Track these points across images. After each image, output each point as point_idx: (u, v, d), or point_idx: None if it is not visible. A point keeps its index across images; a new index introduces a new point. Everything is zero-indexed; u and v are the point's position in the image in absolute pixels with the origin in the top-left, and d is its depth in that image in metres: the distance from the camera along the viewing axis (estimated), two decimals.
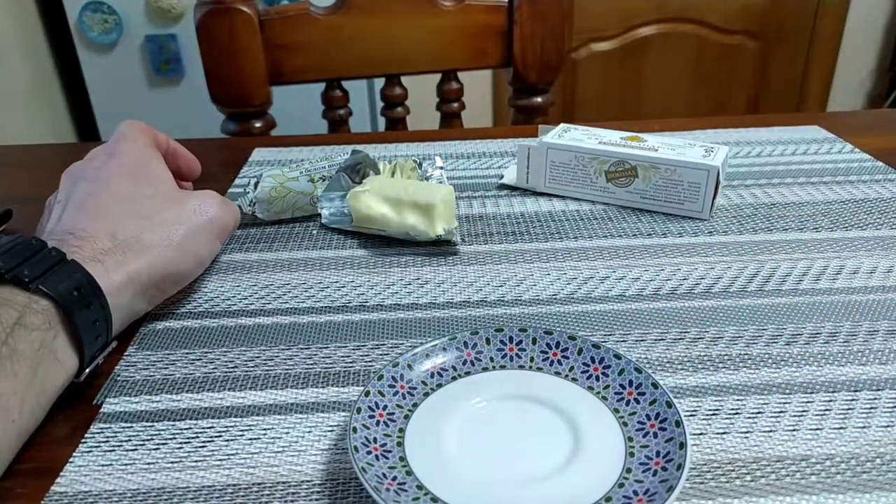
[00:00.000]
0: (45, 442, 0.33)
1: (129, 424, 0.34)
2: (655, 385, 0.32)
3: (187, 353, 0.39)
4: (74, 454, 0.32)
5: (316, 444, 0.32)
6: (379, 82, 1.03)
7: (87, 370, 0.35)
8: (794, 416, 0.33)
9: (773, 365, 0.37)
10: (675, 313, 0.41)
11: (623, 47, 2.18)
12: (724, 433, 0.32)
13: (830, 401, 0.34)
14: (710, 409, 0.34)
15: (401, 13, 0.89)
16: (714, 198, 0.51)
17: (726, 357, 0.37)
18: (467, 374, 0.35)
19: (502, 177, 0.61)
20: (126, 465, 0.31)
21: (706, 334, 0.39)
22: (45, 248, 0.35)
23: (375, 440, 0.30)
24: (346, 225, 0.52)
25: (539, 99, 0.95)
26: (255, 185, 0.54)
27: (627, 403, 0.32)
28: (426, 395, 0.33)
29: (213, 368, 0.38)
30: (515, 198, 0.57)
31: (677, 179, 0.52)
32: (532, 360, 0.35)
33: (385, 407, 0.32)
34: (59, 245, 0.36)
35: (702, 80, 2.25)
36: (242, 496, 0.30)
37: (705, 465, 0.31)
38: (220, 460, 0.32)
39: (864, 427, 0.32)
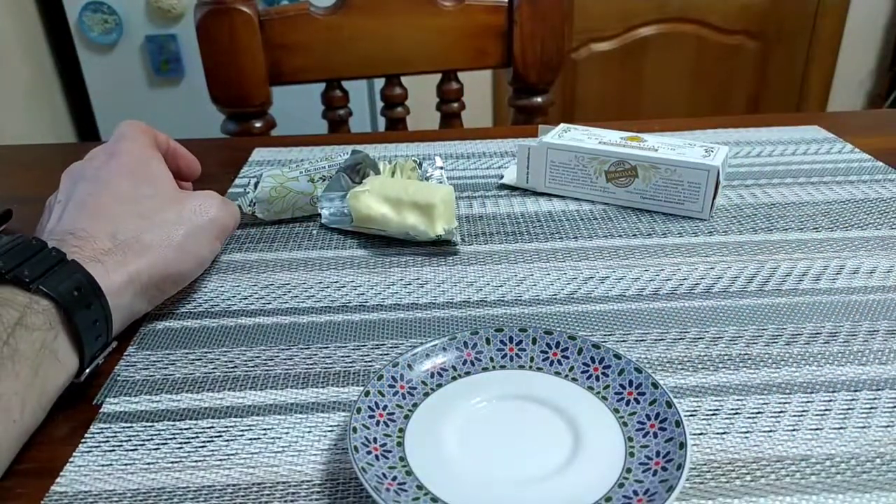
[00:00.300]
0: (45, 442, 0.33)
1: (129, 424, 0.34)
2: (655, 385, 0.32)
3: (187, 353, 0.39)
4: (74, 454, 0.32)
5: (316, 444, 0.32)
6: (379, 82, 1.03)
7: (88, 370, 0.35)
8: (794, 416, 0.33)
9: (773, 365, 0.37)
10: (675, 313, 0.41)
11: (623, 47, 2.18)
12: (724, 433, 0.32)
13: (830, 401, 0.34)
14: (710, 409, 0.34)
15: (401, 13, 0.89)
16: (714, 198, 0.51)
17: (726, 357, 0.37)
18: (467, 374, 0.35)
19: (502, 177, 0.61)
20: (126, 465, 0.31)
21: (706, 334, 0.39)
22: (46, 249, 0.35)
23: (375, 440, 0.30)
24: (346, 225, 0.52)
25: (539, 99, 0.95)
26: (255, 185, 0.54)
27: (627, 403, 0.32)
28: (426, 395, 0.33)
29: (213, 368, 0.38)
30: (515, 198, 0.57)
31: (677, 179, 0.52)
32: (532, 360, 0.35)
33: (385, 407, 0.32)
34: (59, 245, 0.36)
35: (702, 80, 2.25)
36: (242, 496, 0.30)
37: (705, 465, 0.31)
38: (220, 460, 0.32)
39: (864, 427, 0.32)
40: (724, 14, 2.15)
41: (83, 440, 0.33)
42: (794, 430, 0.32)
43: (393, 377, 0.33)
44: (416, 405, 0.33)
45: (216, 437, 0.33)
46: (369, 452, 0.29)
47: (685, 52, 2.20)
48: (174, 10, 1.69)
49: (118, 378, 0.37)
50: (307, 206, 0.54)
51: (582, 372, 0.34)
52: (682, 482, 0.27)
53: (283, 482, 0.30)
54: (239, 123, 0.90)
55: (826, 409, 0.33)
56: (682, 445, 0.29)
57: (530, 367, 0.35)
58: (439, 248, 0.49)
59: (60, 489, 0.30)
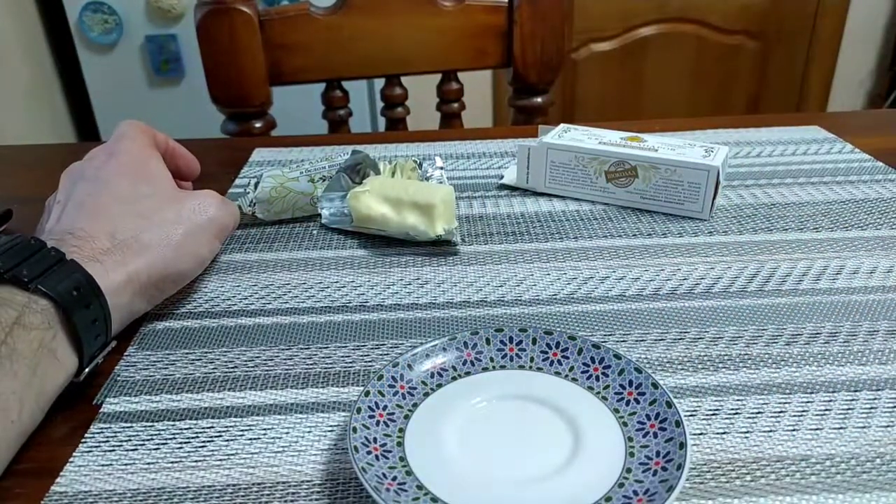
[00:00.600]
0: (45, 442, 0.33)
1: (129, 424, 0.34)
2: (655, 385, 0.32)
3: (187, 353, 0.39)
4: (74, 454, 0.32)
5: (316, 444, 0.32)
6: (379, 82, 1.03)
7: (87, 370, 0.35)
8: (794, 416, 0.33)
9: (773, 365, 0.37)
10: (675, 313, 0.41)
11: (623, 47, 2.18)
12: (724, 433, 0.32)
13: (830, 401, 0.34)
14: (710, 409, 0.34)
15: (401, 13, 0.89)
16: (714, 198, 0.51)
17: (726, 357, 0.37)
18: (467, 374, 0.35)
19: (502, 177, 0.61)
20: (126, 465, 0.31)
21: (706, 334, 0.39)
22: (45, 248, 0.35)
23: (375, 440, 0.30)
24: (346, 225, 0.52)
25: (539, 99, 0.95)
26: (255, 185, 0.54)
27: (627, 403, 0.32)
28: (426, 395, 0.33)
29: (213, 368, 0.38)
30: (515, 198, 0.57)
31: (677, 179, 0.52)
32: (532, 360, 0.35)
33: (385, 407, 0.32)
34: (58, 245, 0.36)
35: (702, 80, 2.25)
36: (242, 496, 0.30)
37: (705, 465, 0.31)
38: (220, 460, 0.32)
39: (864, 427, 0.32)
40: (724, 14, 2.15)
41: (83, 440, 0.33)
42: (794, 430, 0.32)
43: (393, 377, 0.33)
44: (416, 405, 0.33)
45: (216, 437, 0.33)
46: (369, 452, 0.29)
47: (685, 52, 2.20)
48: (174, 10, 1.69)
49: (118, 378, 0.37)
50: (307, 206, 0.54)
51: (582, 372, 0.34)
52: (682, 482, 0.27)
53: (283, 482, 0.30)
54: (239, 123, 0.90)
55: (826, 409, 0.33)
56: (682, 445, 0.29)
57: (530, 367, 0.35)
58: (439, 248, 0.49)
59: (60, 489, 0.30)
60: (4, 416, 0.29)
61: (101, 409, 0.35)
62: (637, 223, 0.52)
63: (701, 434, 0.32)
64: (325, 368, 0.37)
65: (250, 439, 0.33)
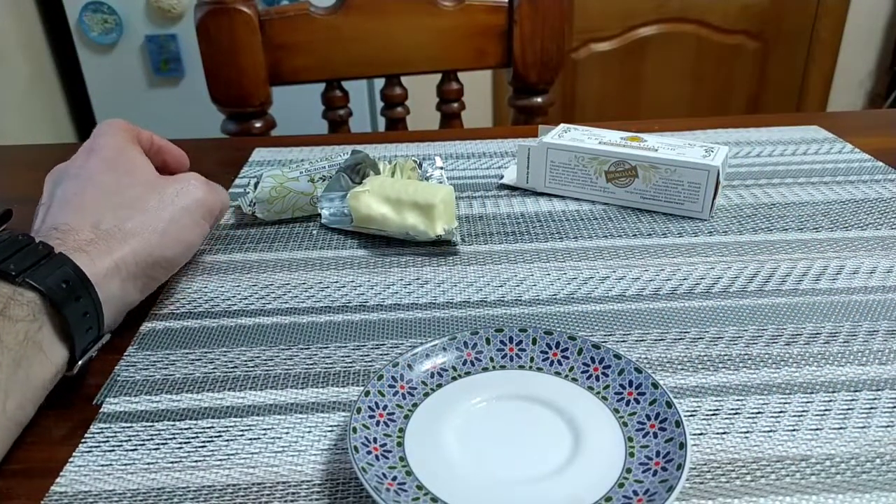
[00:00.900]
0: (45, 442, 0.33)
1: (129, 424, 0.34)
2: (655, 385, 0.32)
3: (187, 353, 0.39)
4: (74, 454, 0.32)
5: (316, 444, 0.32)
6: (379, 82, 1.03)
7: (80, 362, 0.35)
8: (794, 416, 0.33)
9: (773, 365, 0.37)
10: (675, 313, 0.41)
11: (623, 47, 2.18)
12: (724, 433, 0.32)
13: (830, 401, 0.34)
14: (710, 409, 0.34)
15: (401, 13, 0.89)
16: (714, 198, 0.51)
17: (726, 357, 0.37)
18: (467, 374, 0.35)
19: (502, 177, 0.61)
20: (126, 465, 0.31)
21: (706, 334, 0.39)
22: (33, 244, 0.35)
23: (375, 440, 0.30)
24: (346, 225, 0.52)
25: (539, 99, 0.95)
26: (255, 185, 0.54)
27: (627, 403, 0.32)
28: (426, 395, 0.33)
29: (213, 368, 0.38)
30: (515, 198, 0.57)
31: (677, 179, 0.52)
32: (532, 360, 0.35)
33: (385, 407, 0.32)
34: (44, 240, 0.36)
35: (702, 80, 2.25)
36: (242, 496, 0.30)
37: (705, 465, 0.31)
38: (220, 460, 0.32)
39: (864, 427, 0.32)
40: (724, 14, 2.15)
41: (83, 440, 0.33)
42: (794, 430, 0.32)
43: (393, 377, 0.33)
44: (416, 405, 0.33)
45: (216, 437, 0.33)
46: (369, 452, 0.29)
47: (685, 52, 2.20)
48: (174, 10, 1.68)
49: (118, 378, 0.37)
50: (307, 206, 0.54)
51: (582, 372, 0.34)
52: (682, 482, 0.27)
53: (283, 482, 0.30)
54: (239, 123, 0.90)
55: (826, 409, 0.33)
56: (682, 445, 0.29)
57: (530, 367, 0.35)
58: (439, 248, 0.49)
59: (60, 489, 0.30)
60: None
61: (101, 409, 0.35)
62: (637, 223, 0.52)
63: (701, 434, 0.32)
64: (325, 368, 0.37)
65: (250, 439, 0.33)
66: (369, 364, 0.38)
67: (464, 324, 0.41)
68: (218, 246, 0.51)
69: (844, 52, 2.24)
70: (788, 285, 0.44)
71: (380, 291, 0.44)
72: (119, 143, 0.44)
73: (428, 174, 0.57)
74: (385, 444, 0.30)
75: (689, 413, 0.34)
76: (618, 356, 0.34)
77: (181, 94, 1.79)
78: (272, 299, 0.44)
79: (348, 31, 0.89)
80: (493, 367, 0.35)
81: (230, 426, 0.34)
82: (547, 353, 0.35)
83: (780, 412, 0.33)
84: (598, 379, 0.34)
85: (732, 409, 0.34)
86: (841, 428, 0.32)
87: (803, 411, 0.33)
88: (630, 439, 0.30)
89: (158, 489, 0.30)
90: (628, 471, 0.29)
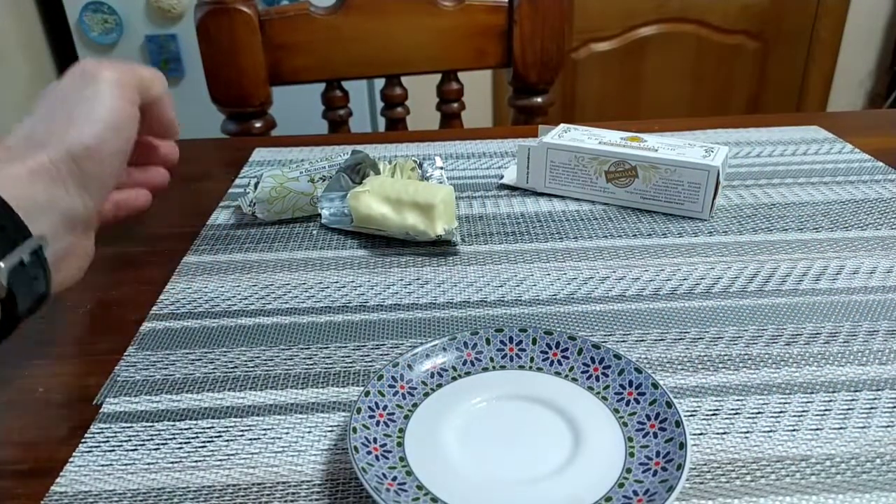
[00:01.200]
0: (45, 442, 0.33)
1: (129, 424, 0.34)
2: (655, 385, 0.32)
3: (187, 353, 0.39)
4: (74, 454, 0.32)
5: (316, 444, 0.32)
6: (379, 82, 1.03)
7: (5, 271, 0.31)
8: (794, 416, 0.33)
9: (773, 365, 0.37)
10: (675, 313, 0.41)
11: (623, 47, 2.18)
12: (724, 433, 0.32)
13: (830, 401, 0.34)
14: (710, 409, 0.34)
15: (401, 13, 0.89)
16: (714, 198, 0.51)
17: (726, 357, 0.37)
18: (467, 374, 0.35)
19: (502, 177, 0.61)
20: (126, 465, 0.31)
21: (706, 334, 0.39)
22: None
23: (375, 440, 0.30)
24: (346, 225, 0.52)
25: (539, 99, 0.95)
26: (255, 185, 0.54)
27: (627, 403, 0.32)
28: (426, 395, 0.33)
29: (213, 368, 0.38)
30: (515, 198, 0.57)
31: (677, 179, 0.52)
32: (532, 360, 0.35)
33: (385, 407, 0.32)
34: None
35: (702, 80, 2.25)
36: (242, 496, 0.30)
37: (705, 465, 0.31)
38: (220, 460, 0.32)
39: (864, 427, 0.32)
40: (724, 14, 2.15)
41: (83, 440, 0.33)
42: (794, 430, 0.32)
43: (393, 377, 0.33)
44: (416, 405, 0.33)
45: (216, 437, 0.33)
46: (369, 452, 0.29)
47: (685, 52, 2.20)
48: (174, 10, 1.68)
49: (118, 378, 0.37)
50: (307, 206, 0.54)
51: (582, 372, 0.34)
52: (682, 482, 0.27)
53: (283, 482, 0.30)
54: (239, 123, 0.90)
55: (826, 409, 0.33)
56: (682, 445, 0.29)
57: (530, 367, 0.35)
58: (439, 248, 0.49)
59: (60, 489, 0.30)
60: None
61: (101, 409, 0.35)
62: (637, 223, 0.52)
63: (701, 434, 0.32)
64: (325, 368, 0.37)
65: (250, 439, 0.33)
66: (369, 364, 0.38)
67: (464, 324, 0.41)
68: (218, 246, 0.51)
69: (844, 52, 2.24)
70: (788, 285, 0.44)
71: (380, 291, 0.44)
72: (113, 86, 0.39)
73: (428, 174, 0.57)
74: (385, 445, 0.30)
75: (689, 413, 0.34)
76: (618, 356, 0.34)
77: (181, 94, 1.79)
78: (272, 299, 0.44)
79: (348, 31, 0.89)
80: (493, 367, 0.35)
81: (230, 426, 0.34)
82: (547, 353, 0.35)
83: (780, 412, 0.33)
84: (598, 379, 0.34)
85: (732, 409, 0.34)
86: (841, 428, 0.32)
87: (803, 411, 0.33)
88: (630, 439, 0.30)
89: (158, 489, 0.30)
90: (628, 471, 0.29)
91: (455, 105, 0.97)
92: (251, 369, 0.37)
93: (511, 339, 0.36)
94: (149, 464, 0.31)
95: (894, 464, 0.30)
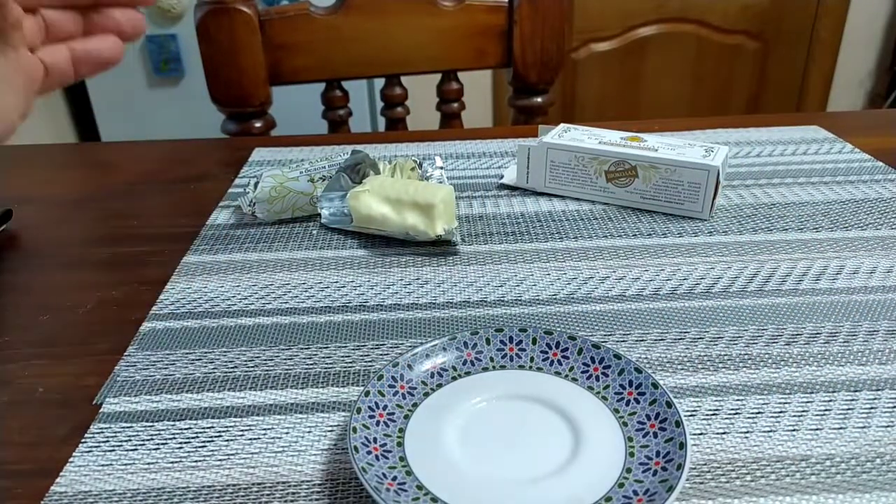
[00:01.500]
0: (45, 442, 0.33)
1: (129, 424, 0.34)
2: (655, 385, 0.32)
3: (187, 353, 0.39)
4: (74, 454, 0.32)
5: (316, 444, 0.32)
6: (379, 82, 1.03)
7: None
8: (794, 416, 0.33)
9: (773, 365, 0.37)
10: (675, 313, 0.41)
11: (623, 47, 2.18)
12: (724, 433, 0.32)
13: (830, 401, 0.34)
14: (710, 409, 0.34)
15: (401, 13, 0.89)
16: (714, 198, 0.51)
17: (726, 357, 0.37)
18: (467, 374, 0.35)
19: (502, 177, 0.61)
20: (126, 465, 0.31)
21: (706, 334, 0.39)
22: None
23: (375, 440, 0.30)
24: (346, 225, 0.52)
25: (539, 99, 0.95)
26: (255, 185, 0.54)
27: (627, 403, 0.32)
28: (426, 395, 0.33)
29: (213, 368, 0.38)
30: (515, 198, 0.57)
31: (677, 179, 0.52)
32: (532, 360, 0.35)
33: (385, 407, 0.32)
34: None
35: (702, 80, 2.25)
36: (242, 496, 0.30)
37: (705, 465, 0.31)
38: (220, 460, 0.32)
39: (864, 427, 0.32)
40: (724, 14, 2.15)
41: (83, 440, 0.33)
42: (794, 430, 0.32)
43: (393, 377, 0.33)
44: (416, 405, 0.33)
45: (216, 437, 0.33)
46: (369, 452, 0.29)
47: (685, 52, 2.20)
48: (174, 10, 1.68)
49: (118, 378, 0.37)
50: (307, 206, 0.54)
51: (582, 372, 0.34)
52: (682, 482, 0.27)
53: (283, 482, 0.30)
54: (239, 123, 0.90)
55: (826, 409, 0.33)
56: (682, 445, 0.29)
57: (530, 367, 0.35)
58: (439, 248, 0.49)
59: (60, 489, 0.30)
60: None
61: (101, 409, 0.35)
62: (637, 223, 0.52)
63: (701, 434, 0.32)
64: (325, 368, 0.37)
65: (250, 439, 0.33)
66: (369, 364, 0.38)
67: (464, 324, 0.41)
68: (218, 246, 0.51)
69: (844, 52, 2.24)
70: (788, 285, 0.44)
71: (380, 291, 0.44)
72: None
73: (428, 174, 0.57)
74: (385, 444, 0.30)
75: (689, 413, 0.34)
76: (618, 356, 0.34)
77: (181, 94, 1.79)
78: (272, 299, 0.44)
79: (348, 31, 0.89)
80: (493, 367, 0.35)
81: (230, 426, 0.34)
82: (547, 353, 0.35)
83: (780, 412, 0.33)
84: (598, 379, 0.34)
85: (732, 409, 0.34)
86: (841, 428, 0.32)
87: (803, 411, 0.33)
88: (630, 439, 0.30)
89: (158, 489, 0.30)
90: (628, 471, 0.29)
91: (455, 105, 0.97)
92: (251, 369, 0.37)
93: (511, 339, 0.36)
94: (149, 464, 0.31)
95: (894, 464, 0.30)
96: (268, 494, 0.30)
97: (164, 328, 0.41)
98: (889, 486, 0.29)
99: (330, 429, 0.33)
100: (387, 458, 0.29)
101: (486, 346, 0.36)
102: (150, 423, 0.34)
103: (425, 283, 0.45)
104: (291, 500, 0.29)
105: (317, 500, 0.29)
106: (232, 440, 0.33)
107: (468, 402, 0.33)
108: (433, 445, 0.30)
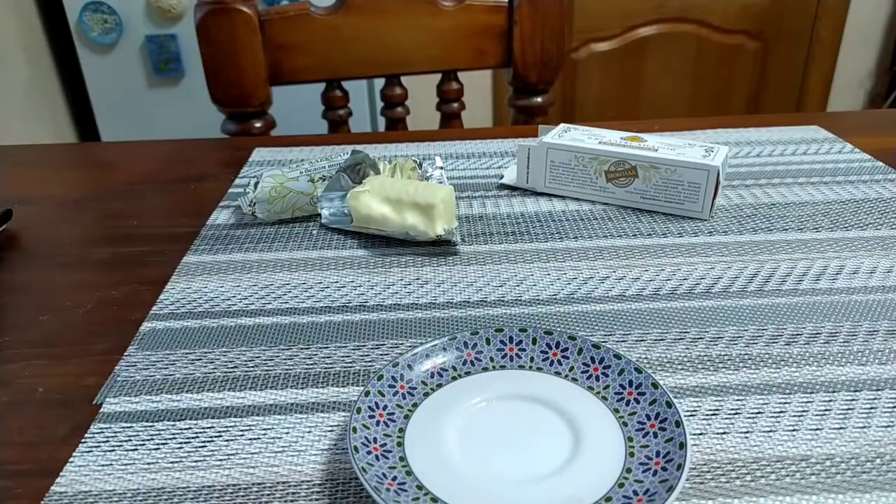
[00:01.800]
0: (45, 442, 0.33)
1: (129, 424, 0.34)
2: (655, 385, 0.32)
3: (187, 353, 0.39)
4: (74, 454, 0.32)
5: (316, 444, 0.32)
6: (379, 82, 1.03)
7: None
8: (794, 416, 0.33)
9: (773, 365, 0.37)
10: (675, 313, 0.41)
11: (623, 47, 2.18)
12: (724, 433, 0.32)
13: (830, 401, 0.34)
14: (710, 409, 0.34)
15: (401, 13, 0.89)
16: (714, 198, 0.51)
17: (726, 357, 0.37)
18: (467, 374, 0.35)
19: (502, 177, 0.61)
20: (126, 465, 0.31)
21: (706, 334, 0.39)
22: None
23: (375, 440, 0.30)
24: (346, 225, 0.52)
25: (539, 99, 0.95)
26: (255, 185, 0.54)
27: (627, 403, 0.32)
28: (426, 395, 0.33)
29: (213, 368, 0.38)
30: (515, 198, 0.57)
31: (677, 179, 0.52)
32: (532, 360, 0.35)
33: (385, 407, 0.32)
34: None
35: (702, 80, 2.25)
36: (242, 496, 0.30)
37: (705, 465, 0.31)
38: (220, 460, 0.32)
39: (864, 427, 0.32)
40: (724, 14, 2.15)
41: (83, 440, 0.33)
42: (794, 430, 0.32)
43: (393, 377, 0.33)
44: (416, 405, 0.33)
45: (216, 437, 0.33)
46: (369, 452, 0.29)
47: (685, 52, 2.20)
48: (174, 10, 1.68)
49: (118, 378, 0.37)
50: (307, 206, 0.54)
51: (582, 372, 0.34)
52: (682, 482, 0.27)
53: (283, 482, 0.30)
54: (239, 123, 0.90)
55: (826, 409, 0.33)
56: (682, 445, 0.29)
57: (530, 367, 0.35)
58: (439, 248, 0.49)
59: (60, 489, 0.30)
60: None
61: (101, 409, 0.35)
62: (637, 223, 0.52)
63: (701, 434, 0.32)
64: (325, 368, 0.37)
65: (250, 439, 0.33)
66: (369, 364, 0.38)
67: (464, 324, 0.41)
68: (218, 246, 0.51)
69: (844, 52, 2.24)
70: (788, 285, 0.44)
71: (380, 291, 0.44)
72: None
73: (428, 174, 0.57)
74: (385, 444, 0.30)
75: (689, 413, 0.34)
76: (618, 356, 0.34)
77: (181, 94, 1.79)
78: (272, 299, 0.44)
79: (348, 31, 0.89)
80: (493, 367, 0.35)
81: (230, 426, 0.34)
82: (547, 353, 0.35)
83: (780, 412, 0.33)
84: (598, 379, 0.34)
85: (732, 409, 0.34)
86: (841, 428, 0.32)
87: (803, 411, 0.33)
88: (630, 439, 0.30)
89: (158, 489, 0.30)
90: (628, 471, 0.29)
91: (455, 105, 0.97)
92: (251, 369, 0.37)
93: (511, 339, 0.36)
94: (149, 464, 0.31)
95: (894, 464, 0.30)
96: (268, 494, 0.30)
97: (164, 328, 0.41)
98: (889, 486, 0.29)
99: (330, 429, 0.33)
100: (387, 458, 0.29)
101: (486, 346, 0.36)
102: (150, 423, 0.34)
103: (425, 283, 0.45)
104: (291, 500, 0.29)
105: (317, 500, 0.29)
106: (232, 440, 0.33)
107: (468, 402, 0.33)
108: (433, 445, 0.30)
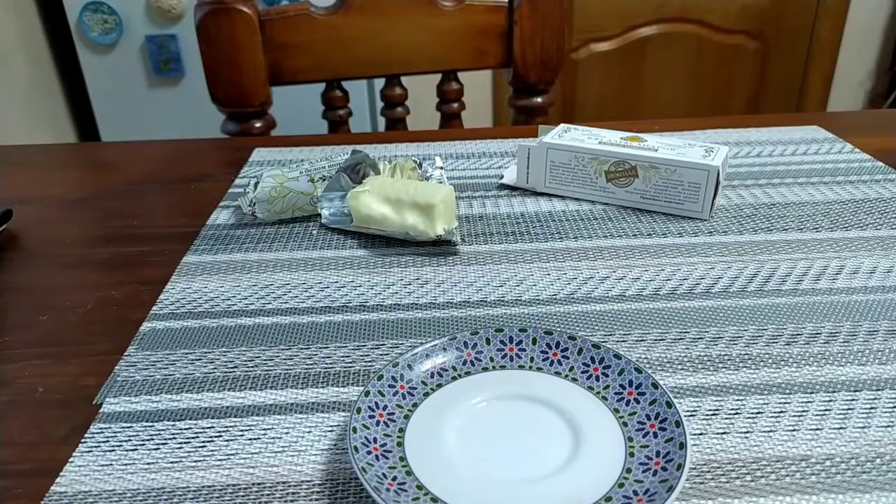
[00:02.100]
0: (45, 442, 0.33)
1: (129, 424, 0.34)
2: (655, 385, 0.32)
3: (187, 353, 0.39)
4: (74, 454, 0.32)
5: (316, 444, 0.32)
6: (379, 82, 1.03)
7: None
8: (794, 416, 0.33)
9: (773, 365, 0.37)
10: (675, 313, 0.41)
11: (623, 47, 2.18)
12: (724, 433, 0.32)
13: (830, 401, 0.34)
14: (710, 409, 0.34)
15: (401, 13, 0.89)
16: (714, 198, 0.51)
17: (726, 357, 0.37)
18: (467, 374, 0.35)
19: (502, 177, 0.61)
20: (126, 465, 0.31)
21: (706, 334, 0.39)
22: None
23: (375, 440, 0.30)
24: (346, 225, 0.52)
25: (539, 99, 0.95)
26: (255, 185, 0.54)
27: (627, 403, 0.32)
28: (426, 395, 0.33)
29: (213, 368, 0.38)
30: (515, 198, 0.57)
31: (677, 179, 0.52)
32: (532, 360, 0.35)
33: (385, 407, 0.32)
34: None
35: (702, 80, 2.25)
36: (242, 496, 0.30)
37: (705, 465, 0.31)
38: (220, 460, 0.32)
39: (864, 427, 0.32)
40: (724, 14, 2.15)
41: (83, 440, 0.33)
42: (794, 430, 0.32)
43: (393, 377, 0.33)
44: (416, 405, 0.33)
45: (216, 437, 0.33)
46: (369, 452, 0.29)
47: (685, 52, 2.20)
48: (174, 10, 1.68)
49: (118, 378, 0.37)
50: (307, 206, 0.54)
51: (582, 372, 0.34)
52: (682, 482, 0.27)
53: (283, 482, 0.30)
54: (239, 123, 0.90)
55: (826, 409, 0.33)
56: (682, 445, 0.29)
57: (530, 367, 0.35)
58: (439, 248, 0.49)
59: (60, 489, 0.30)
60: None
61: (101, 409, 0.35)
62: (637, 223, 0.52)
63: (701, 434, 0.32)
64: (325, 368, 0.37)
65: (250, 439, 0.33)
66: (369, 364, 0.38)
67: (464, 324, 0.41)
68: (218, 246, 0.51)
69: (844, 52, 2.24)
70: (788, 285, 0.44)
71: (380, 291, 0.44)
72: None
73: (428, 174, 0.57)
74: (385, 444, 0.30)
75: (689, 413, 0.34)
76: (618, 356, 0.34)
77: (181, 94, 1.79)
78: (272, 299, 0.44)
79: (348, 31, 0.89)
80: (493, 367, 0.35)
81: (230, 426, 0.34)
82: (547, 353, 0.35)
83: (780, 412, 0.33)
84: (598, 379, 0.34)
85: (732, 409, 0.34)
86: (841, 428, 0.32)
87: (803, 411, 0.33)
88: (630, 439, 0.30)
89: (158, 489, 0.30)
90: (628, 471, 0.29)
91: (455, 105, 0.97)
92: (251, 369, 0.37)
93: (511, 339, 0.36)
94: (149, 464, 0.31)
95: (894, 464, 0.30)
96: (268, 494, 0.30)
97: (164, 328, 0.41)
98: (889, 486, 0.29)
99: (330, 429, 0.33)
100: (387, 458, 0.29)
101: (486, 346, 0.36)
102: (150, 423, 0.34)
103: (425, 283, 0.45)
104: (291, 500, 0.29)
105: (317, 500, 0.29)
106: (232, 440, 0.33)
107: (468, 402, 0.33)
108: (433, 445, 0.30)
